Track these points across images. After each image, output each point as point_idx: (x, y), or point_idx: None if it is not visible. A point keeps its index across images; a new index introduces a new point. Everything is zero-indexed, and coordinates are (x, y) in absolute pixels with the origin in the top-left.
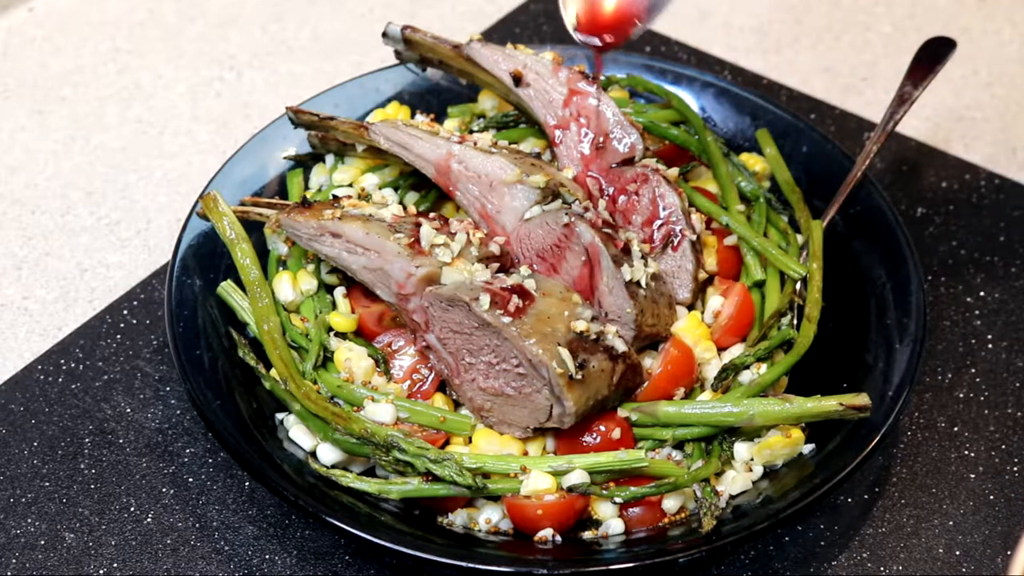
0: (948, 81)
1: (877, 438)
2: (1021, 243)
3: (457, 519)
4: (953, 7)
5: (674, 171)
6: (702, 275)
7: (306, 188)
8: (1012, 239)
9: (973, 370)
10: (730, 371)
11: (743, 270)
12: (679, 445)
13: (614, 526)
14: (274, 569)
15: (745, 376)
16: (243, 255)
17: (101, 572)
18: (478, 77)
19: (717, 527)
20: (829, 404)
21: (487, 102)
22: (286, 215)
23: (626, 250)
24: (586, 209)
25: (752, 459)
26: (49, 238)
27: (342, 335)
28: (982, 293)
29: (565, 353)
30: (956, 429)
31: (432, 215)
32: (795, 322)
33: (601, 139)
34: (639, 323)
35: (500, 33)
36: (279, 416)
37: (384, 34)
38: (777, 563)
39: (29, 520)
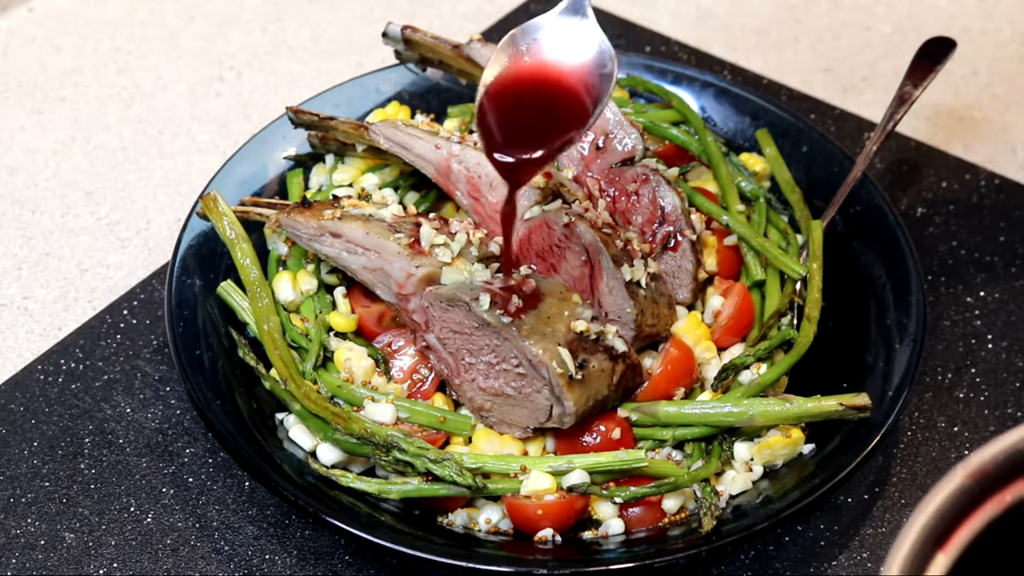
0: (948, 81)
1: (877, 438)
2: (1021, 243)
3: (457, 519)
4: (953, 7)
5: (674, 171)
6: (702, 275)
7: (306, 188)
8: (1012, 239)
9: (973, 370)
10: (730, 371)
11: (743, 270)
12: (679, 445)
13: (614, 526)
14: (274, 569)
15: (745, 376)
16: (243, 255)
17: (101, 572)
18: (478, 77)
19: (717, 527)
20: (829, 404)
21: None
22: (286, 215)
23: (626, 250)
24: (586, 209)
25: (752, 459)
26: (49, 238)
27: (342, 335)
28: (982, 293)
29: (565, 353)
30: (956, 429)
31: (432, 215)
32: (795, 322)
33: (601, 139)
34: (639, 323)
35: (500, 33)
36: (279, 416)
37: (384, 34)
38: (777, 563)
39: (29, 520)
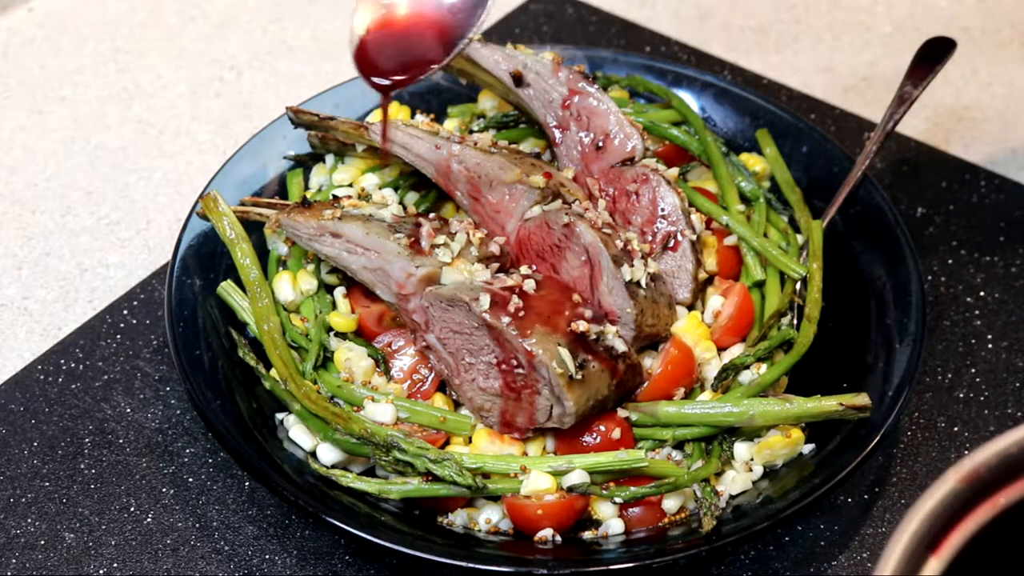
0: (948, 81)
1: (877, 438)
2: (1021, 243)
3: (457, 519)
4: (953, 7)
5: (674, 171)
6: (702, 275)
7: (306, 188)
8: (1012, 239)
9: (973, 370)
10: (730, 371)
11: (743, 270)
12: (679, 445)
13: (614, 526)
14: (274, 569)
15: (745, 376)
16: (243, 255)
17: (101, 572)
18: (478, 77)
19: (717, 527)
20: (829, 404)
21: (487, 102)
22: (286, 215)
23: (626, 250)
24: (586, 209)
25: (752, 459)
26: (49, 238)
27: (342, 335)
28: (982, 293)
29: (565, 353)
30: (956, 429)
31: (432, 215)
32: (795, 322)
33: (601, 139)
34: (639, 323)
35: (500, 33)
36: (279, 416)
37: None
38: (777, 563)
39: (29, 520)
